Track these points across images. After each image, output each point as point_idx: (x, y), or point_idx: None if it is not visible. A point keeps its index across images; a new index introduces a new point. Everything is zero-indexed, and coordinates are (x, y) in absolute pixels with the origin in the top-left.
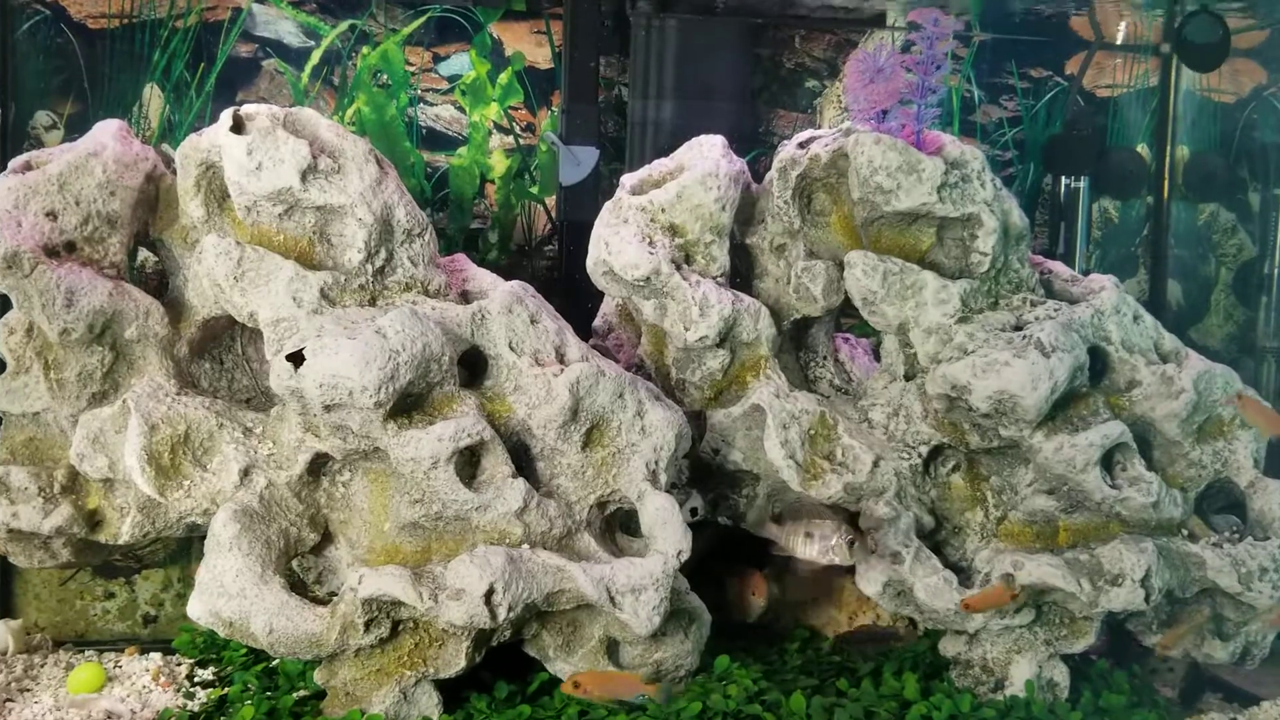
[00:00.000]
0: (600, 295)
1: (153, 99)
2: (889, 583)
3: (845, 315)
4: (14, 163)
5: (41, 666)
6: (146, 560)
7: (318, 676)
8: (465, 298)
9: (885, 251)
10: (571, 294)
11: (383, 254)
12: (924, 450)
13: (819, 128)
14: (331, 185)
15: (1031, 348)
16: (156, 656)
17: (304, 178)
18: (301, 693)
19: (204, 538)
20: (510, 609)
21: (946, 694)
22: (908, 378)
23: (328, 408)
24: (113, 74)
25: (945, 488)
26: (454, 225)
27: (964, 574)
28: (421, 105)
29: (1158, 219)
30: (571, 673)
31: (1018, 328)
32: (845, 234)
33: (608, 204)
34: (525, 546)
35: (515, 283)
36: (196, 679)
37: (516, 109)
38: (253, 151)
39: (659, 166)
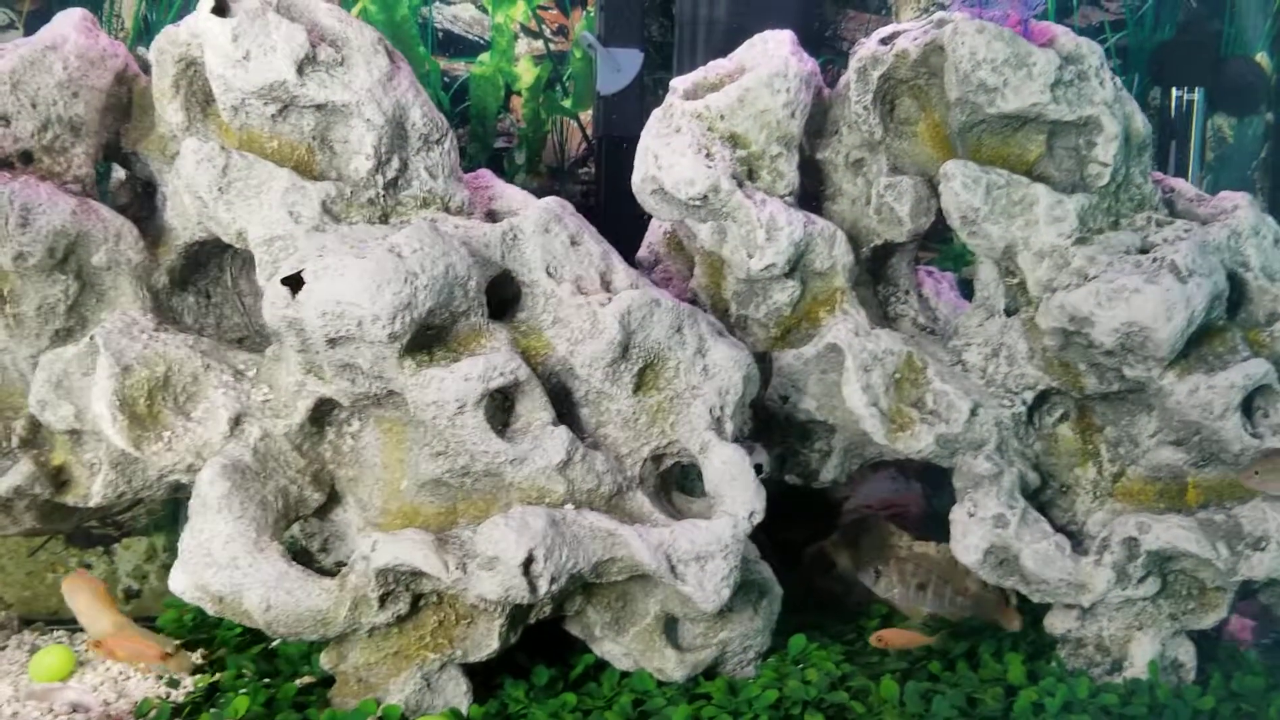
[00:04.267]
0: (645, 226)
1: None
2: (990, 550)
3: (922, 249)
4: None
5: (2, 649)
6: (127, 526)
7: (324, 660)
8: (492, 218)
9: (986, 162)
10: (612, 224)
11: (395, 163)
12: (1029, 396)
13: None
14: (333, 79)
15: (1165, 271)
16: None
17: (300, 70)
18: (306, 679)
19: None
20: (553, 580)
21: (1058, 677)
22: (1009, 312)
23: (332, 342)
24: None
25: (1051, 440)
26: (475, 144)
27: (1075, 538)
28: (437, 4)
29: (1278, 138)
30: (622, 654)
31: (1143, 250)
32: (935, 145)
33: (656, 111)
34: (569, 507)
35: (551, 199)
36: None
37: (546, 9)
38: (239, 37)
39: (716, 68)
